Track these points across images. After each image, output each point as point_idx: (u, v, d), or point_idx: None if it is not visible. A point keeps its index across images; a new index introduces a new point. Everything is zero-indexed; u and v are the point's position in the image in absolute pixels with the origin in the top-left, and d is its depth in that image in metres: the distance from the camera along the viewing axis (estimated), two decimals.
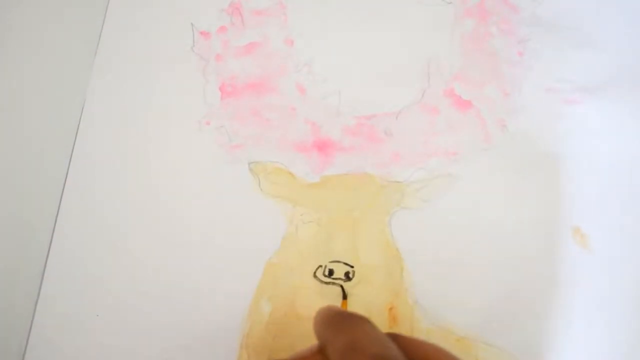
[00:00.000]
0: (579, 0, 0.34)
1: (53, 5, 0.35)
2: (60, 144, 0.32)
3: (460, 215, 0.30)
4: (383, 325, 0.28)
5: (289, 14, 0.34)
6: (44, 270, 0.30)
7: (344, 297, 0.28)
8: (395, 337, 0.20)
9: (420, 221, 0.30)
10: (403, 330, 0.28)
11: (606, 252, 0.29)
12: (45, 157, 0.32)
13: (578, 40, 0.33)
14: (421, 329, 0.28)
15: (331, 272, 0.29)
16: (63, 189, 0.31)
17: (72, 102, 0.33)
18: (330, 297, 0.29)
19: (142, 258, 0.30)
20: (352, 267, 0.29)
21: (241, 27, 0.34)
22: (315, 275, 0.29)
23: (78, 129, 0.32)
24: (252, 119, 0.32)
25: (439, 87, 0.32)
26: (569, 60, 0.33)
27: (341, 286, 0.29)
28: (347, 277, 0.29)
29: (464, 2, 0.34)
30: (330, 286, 0.29)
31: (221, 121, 0.32)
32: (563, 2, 0.34)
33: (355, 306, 0.28)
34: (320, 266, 0.29)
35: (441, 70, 0.33)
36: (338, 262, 0.29)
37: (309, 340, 0.21)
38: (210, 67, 0.33)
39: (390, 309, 0.28)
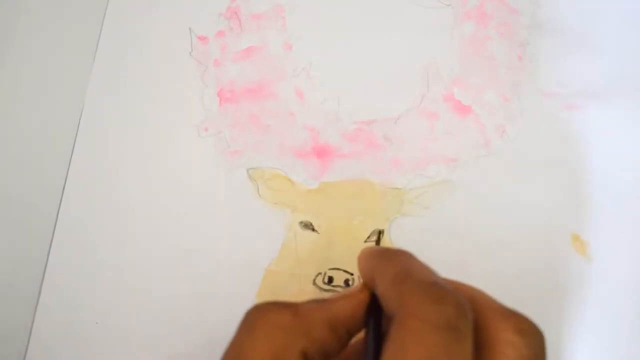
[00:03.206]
0: (579, 3, 0.34)
1: (51, 10, 0.35)
2: (59, 149, 0.32)
3: (460, 222, 0.30)
4: None
5: (287, 18, 0.34)
6: (42, 277, 0.30)
7: (377, 242, 0.29)
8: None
9: (420, 228, 0.30)
10: None
11: (606, 259, 0.29)
12: (44, 163, 0.32)
13: (578, 44, 0.33)
14: None
15: (331, 280, 0.29)
16: (62, 195, 0.31)
17: (70, 107, 0.33)
18: None
19: (141, 265, 0.30)
20: (351, 274, 0.29)
21: (239, 31, 0.34)
22: (314, 283, 0.29)
23: (76, 134, 0.32)
24: (250, 124, 0.32)
25: (438, 92, 0.32)
26: (569, 64, 0.32)
27: (378, 231, 0.29)
28: (347, 284, 0.29)
29: (463, 5, 0.34)
30: (330, 294, 0.29)
31: (220, 127, 0.32)
32: (563, 5, 0.34)
33: None
34: (320, 273, 0.29)
35: (440, 74, 0.32)
36: (338, 269, 0.29)
37: None
38: (209, 73, 0.33)
39: None
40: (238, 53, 0.33)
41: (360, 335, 0.20)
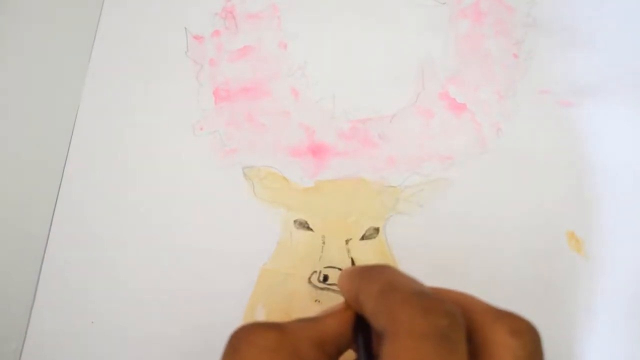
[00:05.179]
0: (575, 1, 0.34)
1: (46, 10, 0.35)
2: (54, 149, 0.32)
3: (456, 220, 0.30)
4: None
5: (282, 18, 0.34)
6: (38, 277, 0.30)
7: (353, 264, 0.29)
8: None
9: (415, 226, 0.30)
10: None
11: (601, 257, 0.29)
12: (39, 163, 0.32)
13: (573, 41, 0.33)
14: None
15: (326, 278, 0.29)
16: (57, 195, 0.31)
17: (66, 107, 0.33)
18: (325, 303, 0.28)
19: (136, 264, 0.30)
20: None
21: (235, 31, 0.34)
22: (310, 281, 0.29)
23: (72, 134, 0.32)
24: (246, 123, 0.32)
25: (433, 90, 0.32)
26: (564, 62, 0.32)
27: (351, 258, 0.29)
28: None
29: (458, 3, 0.34)
30: (325, 292, 0.29)
31: (215, 126, 0.32)
32: (558, 3, 0.34)
33: None
34: (315, 272, 0.29)
35: (435, 72, 0.32)
36: (333, 267, 0.29)
37: None
38: (204, 72, 0.33)
39: None
40: (233, 52, 0.33)
41: (350, 355, 0.20)
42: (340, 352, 0.20)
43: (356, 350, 0.20)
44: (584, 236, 0.29)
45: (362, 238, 0.29)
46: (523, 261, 0.29)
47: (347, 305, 0.20)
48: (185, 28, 0.34)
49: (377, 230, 0.29)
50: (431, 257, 0.29)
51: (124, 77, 0.33)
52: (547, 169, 0.30)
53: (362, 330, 0.19)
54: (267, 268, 0.29)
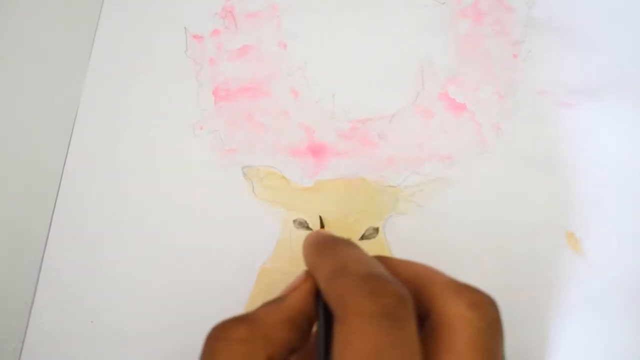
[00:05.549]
0: (574, 1, 0.34)
1: (45, 9, 0.35)
2: (54, 148, 0.32)
3: (455, 220, 0.30)
4: None
5: (282, 17, 0.34)
6: (38, 277, 0.30)
7: (322, 226, 0.29)
8: (382, 259, 0.20)
9: (415, 226, 0.30)
10: None
11: (600, 256, 0.29)
12: (39, 162, 0.32)
13: (573, 42, 0.33)
14: None
15: None
16: (57, 195, 0.31)
17: (65, 106, 0.33)
18: None
19: (136, 264, 0.30)
20: None
21: (234, 30, 0.34)
22: None
23: (72, 133, 0.32)
24: (245, 123, 0.32)
25: (433, 89, 0.32)
26: (564, 62, 0.32)
27: (320, 216, 0.29)
28: None
29: (458, 3, 0.34)
30: None
31: (215, 126, 0.32)
32: (558, 3, 0.34)
33: None
34: None
35: (435, 72, 0.32)
36: None
37: None
38: (204, 71, 0.33)
39: None
40: (233, 52, 0.33)
41: None
42: (312, 322, 0.20)
43: (318, 321, 0.20)
44: (583, 236, 0.29)
45: (362, 238, 0.29)
46: (522, 260, 0.29)
47: (307, 274, 0.20)
48: (185, 27, 0.34)
49: (376, 230, 0.29)
50: (431, 257, 0.29)
51: (124, 76, 0.33)
52: (546, 169, 0.30)
53: (321, 298, 0.19)
54: (267, 267, 0.29)
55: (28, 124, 0.32)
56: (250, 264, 0.29)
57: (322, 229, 0.29)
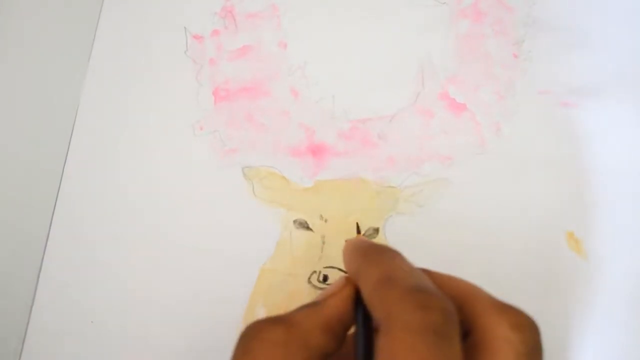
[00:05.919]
0: (574, 1, 0.34)
1: (45, 9, 0.35)
2: (54, 148, 0.32)
3: (455, 221, 0.30)
4: None
5: (282, 17, 0.34)
6: (38, 277, 0.30)
7: (358, 232, 0.29)
8: (427, 272, 0.20)
9: (415, 226, 0.30)
10: None
11: (600, 257, 0.29)
12: (39, 162, 0.32)
13: (573, 41, 0.33)
14: None
15: (325, 278, 0.29)
16: (57, 195, 0.31)
17: (65, 106, 0.33)
18: None
19: (136, 264, 0.30)
20: (346, 273, 0.29)
21: (234, 30, 0.34)
22: (309, 281, 0.29)
23: (72, 133, 0.32)
24: (245, 123, 0.32)
25: (433, 90, 0.32)
26: (564, 62, 0.32)
27: (357, 223, 0.29)
28: None
29: (458, 3, 0.34)
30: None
31: (215, 126, 0.32)
32: (558, 3, 0.34)
33: None
34: (315, 272, 0.29)
35: (435, 72, 0.32)
36: (332, 267, 0.29)
37: None
38: (204, 71, 0.33)
39: None
40: (233, 52, 0.33)
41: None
42: (348, 328, 0.20)
43: (356, 327, 0.20)
44: (583, 236, 0.29)
45: None
46: (522, 260, 0.29)
47: (347, 280, 0.20)
48: (185, 27, 0.34)
49: (376, 230, 0.29)
50: (431, 257, 0.29)
51: (124, 76, 0.33)
52: (546, 169, 0.30)
53: (361, 307, 0.19)
54: (267, 268, 0.29)
55: (28, 124, 0.32)
56: (251, 264, 0.29)
57: (363, 238, 0.29)
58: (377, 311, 0.17)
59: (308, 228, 0.30)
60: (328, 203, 0.30)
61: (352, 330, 0.20)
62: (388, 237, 0.29)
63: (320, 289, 0.29)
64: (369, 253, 0.20)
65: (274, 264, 0.29)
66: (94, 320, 0.29)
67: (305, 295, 0.29)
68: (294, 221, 0.30)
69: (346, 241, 0.21)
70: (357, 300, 0.20)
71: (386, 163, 0.31)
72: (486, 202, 0.30)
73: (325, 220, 0.30)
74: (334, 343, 0.19)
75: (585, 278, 0.29)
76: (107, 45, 0.34)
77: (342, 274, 0.29)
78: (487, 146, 0.31)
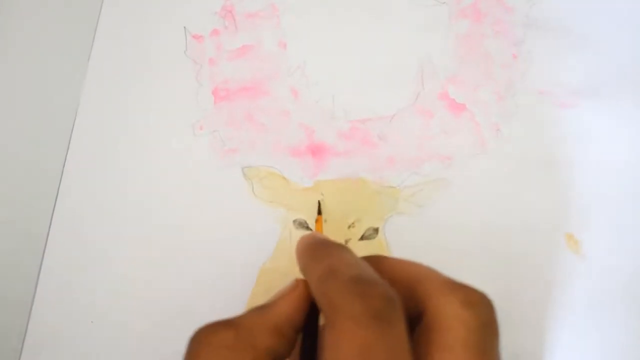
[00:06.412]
0: (574, 2, 0.34)
1: (45, 9, 0.35)
2: (54, 148, 0.32)
3: (455, 221, 0.30)
4: None
5: (281, 17, 0.34)
6: (38, 277, 0.30)
7: (319, 212, 0.29)
8: (379, 258, 0.20)
9: (414, 226, 0.30)
10: None
11: (599, 258, 0.29)
12: (39, 162, 0.32)
13: (573, 42, 0.33)
14: None
15: None
16: (57, 194, 0.31)
17: (65, 106, 0.33)
18: None
19: (136, 264, 0.30)
20: None
21: (234, 30, 0.34)
22: None
23: (72, 133, 0.32)
24: (245, 123, 0.32)
25: (433, 90, 0.32)
26: (563, 62, 0.32)
27: (319, 201, 0.29)
28: None
29: (458, 3, 0.34)
30: None
31: (215, 126, 0.32)
32: (558, 3, 0.34)
33: None
34: None
35: (435, 73, 0.32)
36: None
37: None
38: (204, 71, 0.33)
39: None
40: (233, 52, 0.33)
41: None
42: (299, 330, 0.20)
43: (303, 329, 0.20)
44: (582, 237, 0.29)
45: (362, 238, 0.29)
46: (521, 261, 0.29)
47: (298, 282, 0.20)
48: (185, 27, 0.34)
49: (376, 230, 0.29)
50: (430, 258, 0.29)
51: (123, 76, 0.33)
52: (546, 170, 0.30)
53: (313, 310, 0.20)
54: (267, 267, 0.29)
55: (28, 124, 0.32)
56: (250, 264, 0.29)
57: (317, 231, 0.29)
58: (322, 303, 0.18)
59: (308, 228, 0.30)
60: (328, 203, 0.30)
61: None
62: (388, 237, 0.29)
63: None
64: (315, 249, 0.20)
65: (274, 264, 0.29)
66: (94, 320, 0.29)
67: None
68: (294, 221, 0.30)
69: (299, 239, 0.22)
70: (313, 305, 0.20)
71: (386, 163, 0.31)
72: (486, 202, 0.30)
73: (325, 220, 0.30)
74: (284, 345, 0.19)
75: (584, 279, 0.29)
76: (106, 45, 0.34)
77: None
78: (487, 146, 0.31)
